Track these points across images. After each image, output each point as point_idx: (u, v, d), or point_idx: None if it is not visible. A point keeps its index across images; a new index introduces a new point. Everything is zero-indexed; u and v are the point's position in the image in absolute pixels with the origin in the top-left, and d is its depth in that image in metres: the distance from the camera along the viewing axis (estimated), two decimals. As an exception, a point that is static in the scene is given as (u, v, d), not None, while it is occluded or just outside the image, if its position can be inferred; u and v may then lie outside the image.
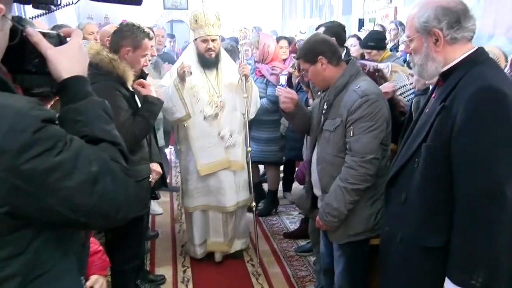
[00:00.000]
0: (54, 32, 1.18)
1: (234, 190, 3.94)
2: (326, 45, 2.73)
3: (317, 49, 2.69)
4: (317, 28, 4.36)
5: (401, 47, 5.36)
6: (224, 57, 4.00)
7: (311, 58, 2.69)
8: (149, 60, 3.33)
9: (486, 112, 1.67)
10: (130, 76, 2.95)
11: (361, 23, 8.05)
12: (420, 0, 1.92)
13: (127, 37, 2.97)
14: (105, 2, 1.33)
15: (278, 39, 5.47)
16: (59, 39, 1.16)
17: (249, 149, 3.99)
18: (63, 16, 10.37)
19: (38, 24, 5.24)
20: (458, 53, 1.83)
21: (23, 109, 0.98)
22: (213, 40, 3.73)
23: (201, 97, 3.76)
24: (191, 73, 3.61)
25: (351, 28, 8.07)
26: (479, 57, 1.84)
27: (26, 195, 0.99)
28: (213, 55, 3.79)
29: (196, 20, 3.69)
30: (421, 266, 1.89)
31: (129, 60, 2.97)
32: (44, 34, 1.13)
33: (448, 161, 1.76)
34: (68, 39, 1.21)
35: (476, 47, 1.86)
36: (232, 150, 3.89)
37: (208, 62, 3.81)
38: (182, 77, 3.61)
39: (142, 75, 3.44)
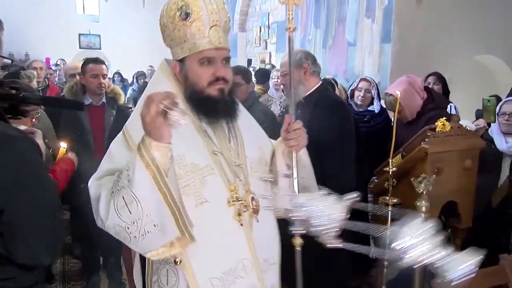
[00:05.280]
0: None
1: None
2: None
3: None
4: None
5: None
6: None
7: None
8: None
9: (337, 115, 2.30)
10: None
11: (249, 62, 8.62)
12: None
13: (81, 67, 3.08)
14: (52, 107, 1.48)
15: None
16: None
17: None
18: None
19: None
20: (313, 84, 2.47)
21: None
22: (224, 61, 1.42)
23: (210, 190, 1.38)
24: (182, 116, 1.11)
25: (237, 68, 8.61)
26: (324, 87, 2.52)
27: None
28: (225, 92, 1.42)
29: (186, 15, 1.35)
30: None
31: (85, 84, 3.00)
32: None
33: (319, 150, 2.19)
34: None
35: (321, 81, 2.58)
36: (268, 276, 1.51)
37: (216, 108, 1.42)
38: (160, 132, 1.14)
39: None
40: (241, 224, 1.41)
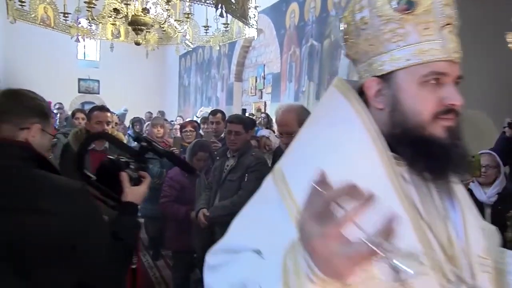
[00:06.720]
0: (136, 176, 1.54)
1: None
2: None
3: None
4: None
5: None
6: None
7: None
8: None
9: None
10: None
11: (244, 111, 8.92)
12: (287, 108, 2.51)
13: (87, 114, 3.31)
14: (170, 161, 1.76)
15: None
16: (134, 182, 1.52)
17: None
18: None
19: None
20: None
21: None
22: (457, 82, 0.84)
23: None
24: None
25: (233, 115, 8.92)
26: None
27: None
28: (455, 132, 0.82)
29: (408, 4, 0.80)
30: None
31: (89, 129, 3.18)
32: (130, 177, 1.51)
33: None
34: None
35: None
36: None
37: (446, 158, 0.81)
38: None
39: None
40: None
